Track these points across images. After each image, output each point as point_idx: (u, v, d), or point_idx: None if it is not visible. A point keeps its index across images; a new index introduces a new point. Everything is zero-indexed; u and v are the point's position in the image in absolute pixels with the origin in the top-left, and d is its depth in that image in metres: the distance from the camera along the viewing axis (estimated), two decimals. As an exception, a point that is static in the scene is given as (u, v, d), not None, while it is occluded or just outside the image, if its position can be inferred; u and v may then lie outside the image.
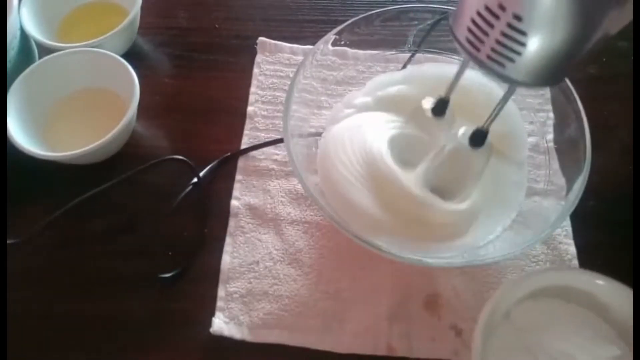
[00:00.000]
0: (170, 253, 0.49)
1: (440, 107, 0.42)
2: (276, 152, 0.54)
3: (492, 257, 0.40)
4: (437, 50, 0.54)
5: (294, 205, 0.51)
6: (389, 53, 0.56)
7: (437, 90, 0.43)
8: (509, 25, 0.29)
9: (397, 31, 0.54)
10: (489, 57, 0.31)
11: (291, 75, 0.57)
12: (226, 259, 0.48)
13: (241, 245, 0.49)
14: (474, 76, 0.47)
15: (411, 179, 0.44)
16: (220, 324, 0.45)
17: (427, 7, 0.52)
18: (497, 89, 0.50)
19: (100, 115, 0.54)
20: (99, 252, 0.49)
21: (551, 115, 0.52)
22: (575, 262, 0.48)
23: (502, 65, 0.31)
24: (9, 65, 0.51)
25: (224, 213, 0.50)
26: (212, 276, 0.47)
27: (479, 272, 0.47)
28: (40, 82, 0.52)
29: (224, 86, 0.58)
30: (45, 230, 0.48)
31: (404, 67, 0.55)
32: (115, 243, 0.49)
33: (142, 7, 0.57)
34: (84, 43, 0.54)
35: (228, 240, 0.49)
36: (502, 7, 0.29)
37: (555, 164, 0.48)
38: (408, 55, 0.56)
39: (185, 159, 0.50)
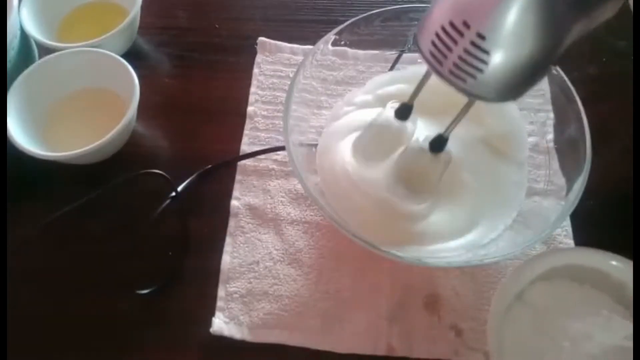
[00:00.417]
0: (170, 253, 0.49)
1: (404, 112, 0.43)
2: (276, 152, 0.54)
3: (492, 257, 0.40)
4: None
5: (294, 205, 0.51)
6: (389, 53, 0.56)
7: (436, 88, 0.43)
8: (473, 44, 0.29)
9: (397, 31, 0.54)
10: (451, 72, 0.31)
11: (291, 75, 0.57)
12: (226, 259, 0.48)
13: (241, 245, 0.49)
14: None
15: (379, 174, 0.44)
16: (220, 324, 0.45)
17: (426, 7, 0.52)
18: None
19: (100, 115, 0.54)
20: (99, 252, 0.49)
21: (551, 115, 0.52)
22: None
23: (463, 80, 0.31)
24: (9, 65, 0.51)
25: (224, 213, 0.50)
26: (212, 276, 0.47)
27: (479, 272, 0.47)
28: (40, 82, 0.52)
29: (224, 86, 0.58)
30: (46, 230, 0.48)
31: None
32: (116, 243, 0.49)
33: (142, 7, 0.57)
34: (84, 43, 0.54)
35: (228, 240, 0.49)
36: (466, 25, 0.29)
37: (555, 164, 0.48)
38: (408, 55, 0.56)
39: (163, 173, 0.50)
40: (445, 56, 0.31)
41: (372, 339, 0.44)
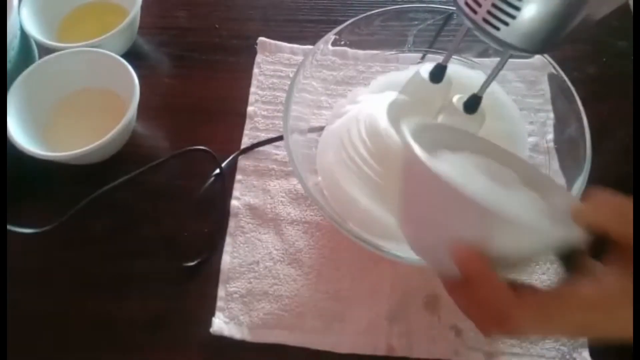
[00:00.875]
0: (170, 253, 0.49)
1: (438, 73, 0.43)
2: (276, 152, 0.54)
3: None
4: (440, 50, 0.54)
5: (294, 205, 0.51)
6: (389, 53, 0.56)
7: (440, 89, 0.44)
8: None
9: (397, 31, 0.54)
10: (485, 19, 0.33)
11: (291, 75, 0.57)
12: (226, 259, 0.48)
13: (241, 245, 0.49)
14: (472, 74, 0.47)
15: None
16: (220, 324, 0.45)
17: (427, 7, 0.52)
18: (498, 90, 0.50)
19: (100, 115, 0.54)
20: (99, 253, 0.49)
21: (551, 115, 0.52)
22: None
23: (496, 28, 0.33)
24: (9, 65, 0.51)
25: (224, 213, 0.50)
26: (212, 276, 0.47)
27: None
28: (40, 82, 0.52)
29: (224, 86, 0.58)
30: (46, 230, 0.48)
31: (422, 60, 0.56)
32: (117, 243, 0.49)
33: (142, 7, 0.57)
34: (84, 43, 0.54)
35: (228, 240, 0.49)
36: None
37: (556, 164, 0.48)
38: (408, 55, 0.56)
39: (208, 149, 0.51)
40: (479, 4, 0.32)
41: (372, 339, 0.44)
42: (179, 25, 0.64)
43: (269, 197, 0.51)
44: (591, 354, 0.44)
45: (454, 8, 0.52)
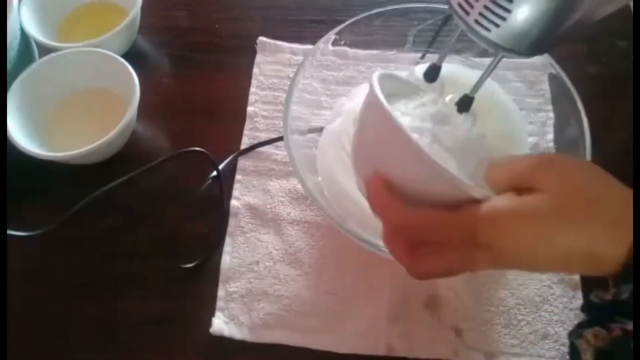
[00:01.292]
0: (170, 253, 0.49)
1: (433, 73, 0.43)
2: (276, 152, 0.54)
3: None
4: (439, 50, 0.54)
5: (294, 205, 0.51)
6: (389, 53, 0.56)
7: (433, 89, 0.43)
8: None
9: (397, 31, 0.54)
10: (477, 21, 0.33)
11: (291, 75, 0.57)
12: (226, 259, 0.48)
13: (241, 245, 0.49)
14: (472, 75, 0.47)
15: None
16: (220, 324, 0.45)
17: (427, 7, 0.52)
18: (498, 89, 0.50)
19: (100, 115, 0.54)
20: (99, 253, 0.49)
21: (551, 115, 0.52)
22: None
23: (488, 29, 0.33)
24: (9, 65, 0.51)
25: (224, 213, 0.50)
26: (212, 276, 0.47)
27: (479, 272, 0.47)
28: (40, 82, 0.52)
29: (224, 86, 0.58)
30: (47, 230, 0.48)
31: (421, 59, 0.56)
32: (116, 244, 0.50)
33: (142, 7, 0.57)
34: (84, 43, 0.54)
35: (228, 240, 0.49)
36: None
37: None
38: (408, 55, 0.56)
39: (205, 151, 0.51)
40: (471, 6, 0.33)
41: (372, 339, 0.44)
42: (179, 25, 0.64)
43: (269, 197, 0.51)
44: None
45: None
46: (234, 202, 0.51)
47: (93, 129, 0.51)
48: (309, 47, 0.59)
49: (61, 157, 0.48)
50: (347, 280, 0.47)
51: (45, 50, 0.55)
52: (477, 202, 0.29)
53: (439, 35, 0.53)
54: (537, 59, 0.53)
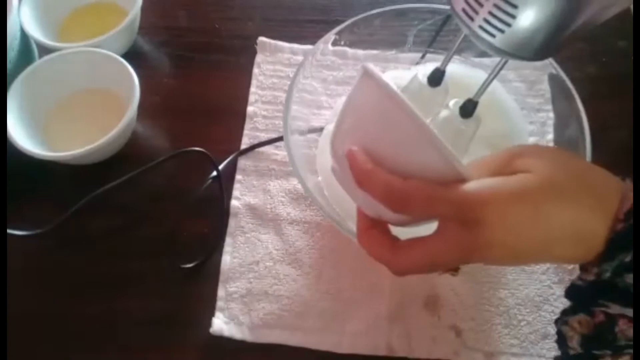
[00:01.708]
0: (170, 253, 0.49)
1: (437, 78, 0.43)
2: (276, 152, 0.54)
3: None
4: (440, 50, 0.54)
5: (294, 205, 0.51)
6: (389, 53, 0.56)
7: (438, 93, 0.43)
8: None
9: (397, 31, 0.54)
10: (481, 27, 0.33)
11: (291, 75, 0.57)
12: (226, 259, 0.48)
13: (241, 245, 0.49)
14: (474, 75, 0.47)
15: None
16: (220, 324, 0.45)
17: (427, 7, 0.52)
18: (499, 88, 0.50)
19: (100, 115, 0.54)
20: (99, 253, 0.49)
21: (551, 115, 0.52)
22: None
23: (492, 35, 0.33)
24: (9, 65, 0.51)
25: (224, 213, 0.50)
26: (212, 276, 0.47)
27: (478, 272, 0.47)
28: (40, 82, 0.52)
29: (224, 86, 0.58)
30: (46, 230, 0.48)
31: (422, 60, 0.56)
32: (116, 243, 0.49)
33: (142, 7, 0.57)
34: (84, 43, 0.54)
35: (228, 240, 0.49)
36: None
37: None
38: (408, 55, 0.56)
39: (205, 151, 0.51)
40: (476, 12, 0.33)
41: (372, 339, 0.44)
42: (179, 25, 0.64)
43: (269, 197, 0.51)
44: None
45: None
46: (234, 202, 0.51)
47: (93, 129, 0.51)
48: (309, 47, 0.59)
49: (61, 157, 0.48)
50: (347, 280, 0.47)
51: (45, 50, 0.55)
52: (464, 182, 0.28)
53: (439, 35, 0.53)
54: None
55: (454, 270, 0.32)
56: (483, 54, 0.53)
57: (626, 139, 0.54)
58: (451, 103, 0.42)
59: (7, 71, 0.51)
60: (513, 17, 0.31)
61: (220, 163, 0.52)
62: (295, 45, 0.60)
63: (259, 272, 0.47)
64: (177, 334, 0.45)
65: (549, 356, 0.44)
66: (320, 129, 0.52)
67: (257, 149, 0.54)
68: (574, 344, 0.29)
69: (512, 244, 0.28)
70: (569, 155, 0.31)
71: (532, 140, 0.51)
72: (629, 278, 0.27)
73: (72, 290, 0.48)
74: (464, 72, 0.52)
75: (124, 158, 0.53)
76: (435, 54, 0.55)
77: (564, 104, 0.47)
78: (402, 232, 0.32)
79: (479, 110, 0.44)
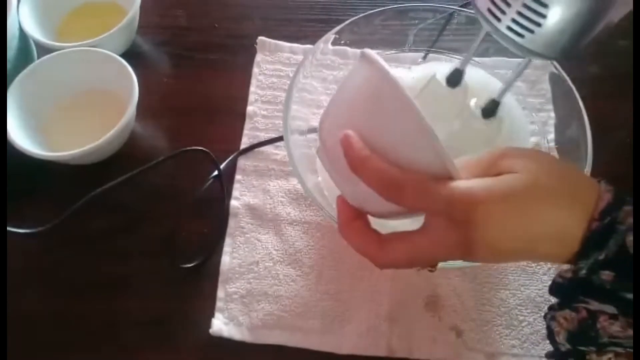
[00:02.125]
0: (169, 253, 0.48)
1: (456, 78, 0.42)
2: (276, 152, 0.53)
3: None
4: (441, 50, 0.54)
5: (293, 205, 0.51)
6: (389, 52, 0.56)
7: (457, 94, 0.43)
8: None
9: (397, 30, 0.54)
10: (509, 27, 0.32)
11: (291, 74, 0.57)
12: (226, 260, 0.48)
13: (241, 245, 0.49)
14: (478, 76, 0.47)
15: None
16: (219, 325, 0.45)
17: (427, 6, 0.52)
18: (497, 81, 0.50)
19: (100, 115, 0.54)
20: (99, 253, 0.49)
21: (552, 115, 0.52)
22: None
23: (521, 36, 0.32)
24: (8, 65, 0.51)
25: (223, 213, 0.50)
26: (211, 276, 0.47)
27: (479, 273, 0.47)
28: (39, 82, 0.52)
29: (224, 86, 0.58)
30: (46, 230, 0.48)
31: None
32: (116, 243, 0.49)
33: (141, 7, 0.57)
34: (83, 42, 0.54)
35: (227, 240, 0.49)
36: None
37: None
38: (409, 54, 0.56)
39: (207, 150, 0.51)
40: (503, 12, 0.32)
41: (372, 339, 0.44)
42: (178, 25, 0.64)
43: (268, 197, 0.51)
44: None
45: (454, 7, 0.52)
46: (233, 202, 0.51)
47: (92, 128, 0.51)
48: (309, 46, 0.59)
49: (60, 156, 0.48)
50: (347, 281, 0.47)
51: (44, 49, 0.55)
52: (453, 180, 0.29)
53: (442, 34, 0.53)
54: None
55: (432, 266, 0.32)
56: (483, 54, 0.53)
57: (627, 138, 0.54)
58: (472, 103, 0.41)
59: (7, 71, 0.51)
60: (544, 16, 0.30)
61: (219, 163, 0.52)
62: (295, 45, 0.60)
63: (258, 273, 0.47)
64: (176, 334, 0.45)
65: (550, 357, 0.44)
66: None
67: (257, 149, 0.54)
68: (561, 339, 0.29)
69: (498, 243, 0.28)
70: (550, 157, 0.31)
71: (533, 140, 0.50)
72: (604, 275, 0.28)
73: (72, 290, 0.47)
74: (474, 73, 0.51)
75: (123, 158, 0.53)
76: (437, 54, 0.55)
77: (565, 104, 0.47)
78: (380, 228, 0.32)
79: (477, 97, 0.44)
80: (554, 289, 0.31)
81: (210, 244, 0.49)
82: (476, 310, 0.45)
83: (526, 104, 0.52)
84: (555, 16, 0.30)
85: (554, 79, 0.50)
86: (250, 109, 0.56)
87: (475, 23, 0.37)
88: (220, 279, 0.47)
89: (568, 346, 0.29)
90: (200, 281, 0.47)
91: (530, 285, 0.46)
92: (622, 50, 0.60)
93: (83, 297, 0.47)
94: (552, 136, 0.50)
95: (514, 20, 0.32)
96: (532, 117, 0.52)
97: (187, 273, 0.48)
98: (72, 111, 0.54)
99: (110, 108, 0.53)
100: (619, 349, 0.27)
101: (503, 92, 0.39)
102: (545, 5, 0.30)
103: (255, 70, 0.59)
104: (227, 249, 0.49)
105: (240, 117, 0.56)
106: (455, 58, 0.54)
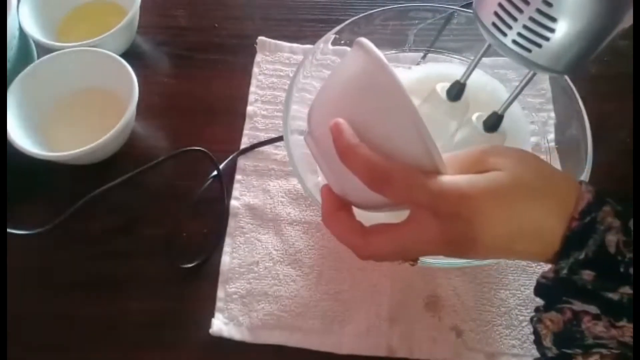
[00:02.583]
0: (169, 253, 0.48)
1: (457, 91, 0.42)
2: (276, 152, 0.53)
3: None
4: (440, 50, 0.54)
5: (293, 205, 0.51)
6: (389, 53, 0.56)
7: (458, 108, 0.43)
8: (539, 11, 0.30)
9: (397, 30, 0.54)
10: (514, 42, 0.32)
11: (291, 74, 0.57)
12: (226, 260, 0.48)
13: (241, 245, 0.49)
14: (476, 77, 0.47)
15: None
16: (219, 325, 0.45)
17: (427, 6, 0.52)
18: (500, 88, 0.50)
19: (99, 115, 0.54)
20: (99, 253, 0.49)
21: (552, 115, 0.52)
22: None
23: (528, 50, 0.31)
24: (7, 65, 0.51)
25: (224, 213, 0.50)
26: (211, 276, 0.47)
27: (479, 273, 0.47)
28: (39, 82, 0.52)
29: (224, 86, 0.58)
30: (46, 230, 0.48)
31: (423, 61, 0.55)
32: (116, 243, 0.49)
33: (141, 7, 0.57)
34: (83, 42, 0.54)
35: (227, 240, 0.49)
36: None
37: (557, 164, 0.48)
38: (408, 54, 0.56)
39: (206, 150, 0.51)
40: (509, 26, 0.31)
41: (372, 339, 0.44)
42: (178, 25, 0.64)
43: (268, 197, 0.51)
44: None
45: (454, 7, 0.52)
46: (233, 202, 0.51)
47: (92, 128, 0.51)
48: (309, 46, 0.59)
49: (60, 156, 0.48)
50: (347, 281, 0.47)
51: (44, 49, 0.55)
52: (440, 174, 0.29)
53: (442, 34, 0.53)
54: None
55: (414, 260, 0.33)
56: (483, 54, 0.53)
57: (627, 138, 0.54)
58: (474, 117, 0.41)
59: (7, 71, 0.51)
60: (552, 30, 0.30)
61: (219, 163, 0.52)
62: (295, 45, 0.60)
63: (258, 273, 0.47)
64: (176, 334, 0.45)
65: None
66: None
67: (256, 149, 0.54)
68: (548, 342, 0.29)
69: (480, 239, 0.29)
70: (533, 157, 0.32)
71: (533, 140, 0.50)
72: (585, 274, 0.28)
73: (72, 290, 0.47)
74: (485, 85, 0.51)
75: (123, 158, 0.53)
76: (437, 54, 0.55)
77: (565, 104, 0.47)
78: (364, 221, 0.32)
79: (479, 109, 0.44)
80: (538, 290, 0.31)
81: (210, 244, 0.49)
82: (476, 310, 0.45)
83: (526, 104, 0.52)
84: (564, 30, 0.30)
85: (554, 79, 0.50)
86: (250, 109, 0.56)
87: (475, 23, 0.37)
88: (220, 279, 0.47)
89: (555, 350, 0.29)
90: (200, 281, 0.47)
91: (530, 285, 0.46)
92: (622, 50, 0.60)
93: (83, 297, 0.47)
94: (552, 136, 0.50)
95: (520, 35, 0.31)
96: (532, 117, 0.52)
97: (187, 273, 0.48)
98: (72, 111, 0.54)
99: (110, 108, 0.53)
100: (604, 350, 0.27)
101: (506, 105, 0.38)
102: (553, 19, 0.29)
103: (255, 70, 0.59)
104: (227, 249, 0.49)
105: (240, 117, 0.56)
106: (455, 58, 0.54)
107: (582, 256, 0.28)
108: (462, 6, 0.52)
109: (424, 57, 0.55)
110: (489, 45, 0.37)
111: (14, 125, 0.49)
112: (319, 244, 0.49)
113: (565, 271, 0.28)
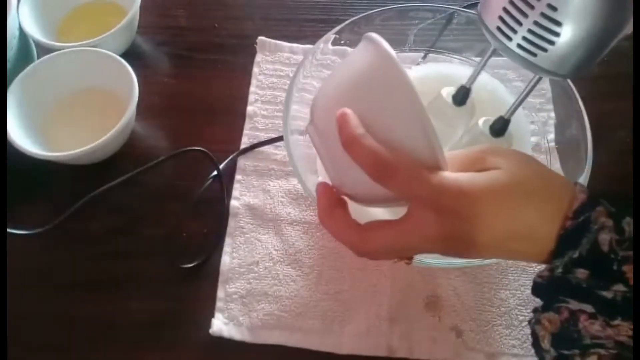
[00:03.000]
0: (169, 253, 0.48)
1: (462, 96, 0.42)
2: (276, 152, 0.53)
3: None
4: (441, 50, 0.54)
5: (293, 205, 0.51)
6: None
7: (464, 112, 0.43)
8: (543, 15, 0.30)
9: (397, 30, 0.54)
10: (520, 46, 0.32)
11: (291, 74, 0.57)
12: (226, 260, 0.48)
13: (241, 245, 0.49)
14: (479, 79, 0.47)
15: None
16: (219, 325, 0.45)
17: (427, 6, 0.52)
18: (501, 88, 0.50)
19: (99, 115, 0.54)
20: (99, 253, 0.49)
21: (552, 115, 0.52)
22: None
23: (533, 54, 0.31)
24: (7, 65, 0.51)
25: (223, 213, 0.50)
26: (211, 276, 0.47)
27: (479, 273, 0.47)
28: (39, 82, 0.52)
29: (224, 86, 0.58)
30: (46, 230, 0.48)
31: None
32: (116, 243, 0.49)
33: (141, 7, 0.57)
34: (83, 42, 0.54)
35: (227, 240, 0.49)
36: None
37: (557, 164, 0.48)
38: (409, 54, 0.56)
39: (206, 150, 0.51)
40: (514, 31, 0.31)
41: (372, 339, 0.44)
42: (178, 25, 0.64)
43: (268, 197, 0.51)
44: None
45: (455, 7, 0.52)
46: (233, 202, 0.51)
47: (92, 128, 0.51)
48: (309, 46, 0.59)
49: (60, 157, 0.48)
50: (347, 281, 0.47)
51: (44, 49, 0.55)
52: (441, 170, 0.29)
53: (442, 34, 0.53)
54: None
55: (409, 259, 0.33)
56: (483, 54, 0.53)
57: (627, 138, 0.54)
58: (480, 121, 0.41)
59: (7, 71, 0.51)
60: (557, 34, 0.30)
61: (219, 163, 0.52)
62: (295, 45, 0.60)
63: (258, 273, 0.47)
64: (176, 334, 0.45)
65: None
66: None
67: (256, 149, 0.54)
68: (546, 344, 0.29)
69: (478, 236, 0.29)
70: (530, 158, 0.32)
71: (533, 140, 0.50)
72: (579, 273, 0.28)
73: (72, 290, 0.47)
74: (491, 89, 0.51)
75: (123, 158, 0.53)
76: (437, 54, 0.55)
77: (565, 104, 0.47)
78: (360, 219, 0.32)
79: (482, 108, 0.44)
80: (535, 290, 0.31)
81: (210, 244, 0.49)
82: (476, 310, 0.45)
83: (526, 104, 0.51)
84: (569, 34, 0.30)
85: (554, 79, 0.50)
86: (250, 109, 0.56)
87: (475, 23, 0.36)
88: (220, 279, 0.47)
89: (553, 353, 0.29)
90: (200, 281, 0.47)
91: (530, 285, 0.46)
92: (622, 50, 0.59)
93: (83, 297, 0.47)
94: (552, 136, 0.50)
95: (525, 39, 0.31)
96: (532, 117, 0.52)
97: (187, 273, 0.48)
98: (72, 111, 0.54)
99: (110, 108, 0.53)
100: (602, 351, 0.27)
101: (513, 109, 0.38)
102: (559, 24, 0.29)
103: (255, 70, 0.59)
104: (227, 249, 0.49)
105: (240, 117, 0.56)
106: (455, 58, 0.54)
107: (576, 255, 0.28)
108: (462, 6, 0.52)
109: (424, 57, 0.55)
110: (494, 49, 0.37)
111: (14, 125, 0.49)
112: (319, 244, 0.49)
113: (560, 270, 0.29)
